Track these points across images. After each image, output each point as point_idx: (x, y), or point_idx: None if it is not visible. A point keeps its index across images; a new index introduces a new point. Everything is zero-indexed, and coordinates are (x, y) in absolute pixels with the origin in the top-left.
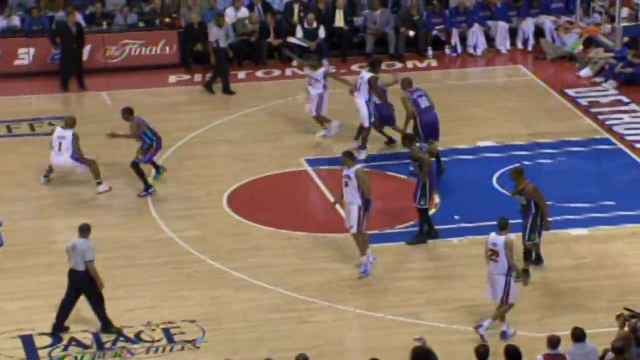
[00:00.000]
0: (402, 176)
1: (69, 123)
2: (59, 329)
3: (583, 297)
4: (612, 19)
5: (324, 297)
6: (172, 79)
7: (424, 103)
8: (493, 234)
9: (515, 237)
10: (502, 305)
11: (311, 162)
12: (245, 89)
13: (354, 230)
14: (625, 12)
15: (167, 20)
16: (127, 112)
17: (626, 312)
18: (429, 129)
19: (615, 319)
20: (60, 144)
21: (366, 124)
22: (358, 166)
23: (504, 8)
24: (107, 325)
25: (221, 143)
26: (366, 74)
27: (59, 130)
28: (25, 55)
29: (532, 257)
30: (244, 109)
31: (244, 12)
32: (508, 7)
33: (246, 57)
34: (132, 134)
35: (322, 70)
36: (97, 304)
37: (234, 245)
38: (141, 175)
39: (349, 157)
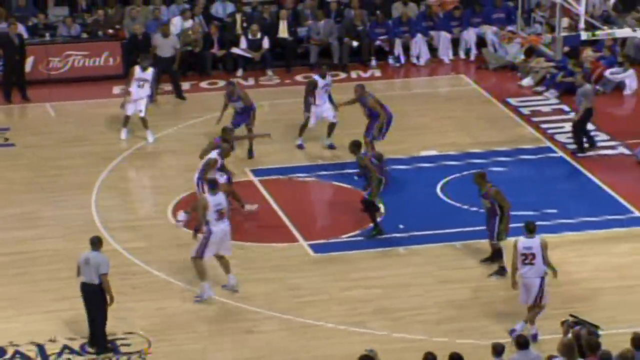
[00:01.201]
0: (347, 186)
1: None
2: (101, 345)
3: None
4: (552, 29)
5: (269, 307)
6: (116, 90)
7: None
8: (522, 238)
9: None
10: (535, 307)
11: (256, 173)
12: (189, 99)
13: None
14: (565, 22)
15: (111, 31)
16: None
17: (571, 319)
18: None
19: (560, 325)
20: None
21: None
22: None
23: (446, 18)
24: (102, 340)
25: (166, 154)
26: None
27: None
28: None
29: (503, 256)
30: (189, 120)
31: (190, 23)
32: (450, 17)
33: (190, 68)
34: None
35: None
36: (102, 318)
37: (179, 256)
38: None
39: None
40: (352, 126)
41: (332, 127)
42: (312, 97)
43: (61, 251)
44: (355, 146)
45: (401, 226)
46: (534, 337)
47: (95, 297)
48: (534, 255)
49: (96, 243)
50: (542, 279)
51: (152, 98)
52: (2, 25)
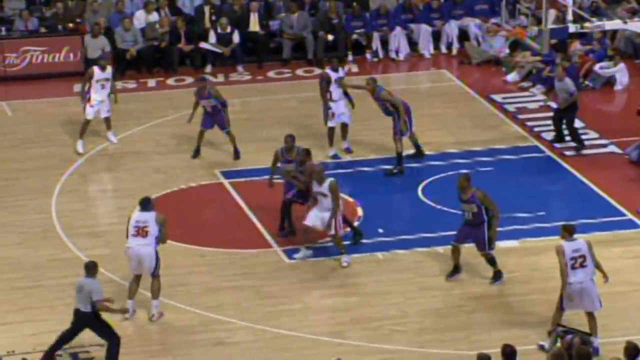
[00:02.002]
0: None
1: None
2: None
3: (513, 312)
4: (538, 21)
5: (241, 316)
6: (77, 87)
7: None
8: (566, 243)
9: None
10: (592, 314)
11: (227, 175)
12: (155, 97)
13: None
14: (552, 13)
15: (71, 25)
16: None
17: (560, 329)
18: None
19: (548, 336)
20: None
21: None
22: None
23: (427, 10)
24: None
25: (131, 155)
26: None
27: None
28: None
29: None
30: (154, 119)
31: (155, 16)
32: (430, 9)
33: (156, 64)
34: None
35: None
36: (114, 344)
37: None
38: None
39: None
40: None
41: (346, 128)
42: (328, 94)
43: (18, 259)
44: (306, 154)
45: (380, 230)
46: (597, 350)
47: (89, 325)
48: (584, 258)
49: (91, 269)
50: (592, 280)
51: (112, 97)
52: None
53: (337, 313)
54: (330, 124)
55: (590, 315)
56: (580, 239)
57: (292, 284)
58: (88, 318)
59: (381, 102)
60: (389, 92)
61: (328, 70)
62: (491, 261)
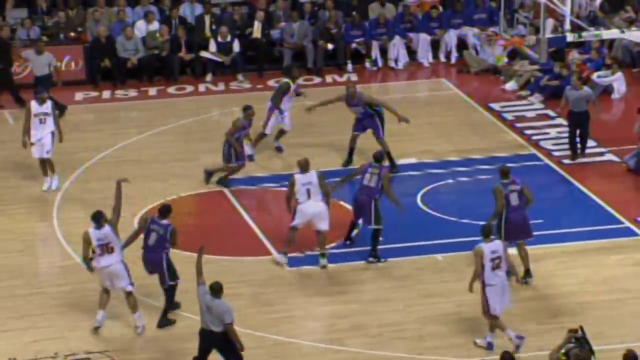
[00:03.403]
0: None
1: None
2: None
3: (512, 319)
4: (536, 31)
5: (241, 324)
6: (79, 96)
7: None
8: (484, 245)
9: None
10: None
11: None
12: (156, 106)
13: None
14: (550, 23)
15: (73, 34)
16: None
17: (579, 333)
18: None
19: (567, 332)
20: None
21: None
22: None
23: (425, 20)
24: None
25: (131, 163)
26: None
27: None
28: None
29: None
30: (155, 127)
31: (155, 25)
32: (430, 18)
33: (157, 73)
34: None
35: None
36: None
37: (145, 272)
38: None
39: None
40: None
41: (283, 133)
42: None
43: (19, 266)
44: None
45: (380, 238)
46: (491, 345)
47: (219, 344)
48: (501, 259)
49: (218, 290)
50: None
51: (56, 134)
52: None
53: (337, 320)
54: (267, 130)
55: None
56: (497, 240)
57: (291, 291)
58: (220, 338)
59: (361, 106)
60: (369, 95)
61: (287, 80)
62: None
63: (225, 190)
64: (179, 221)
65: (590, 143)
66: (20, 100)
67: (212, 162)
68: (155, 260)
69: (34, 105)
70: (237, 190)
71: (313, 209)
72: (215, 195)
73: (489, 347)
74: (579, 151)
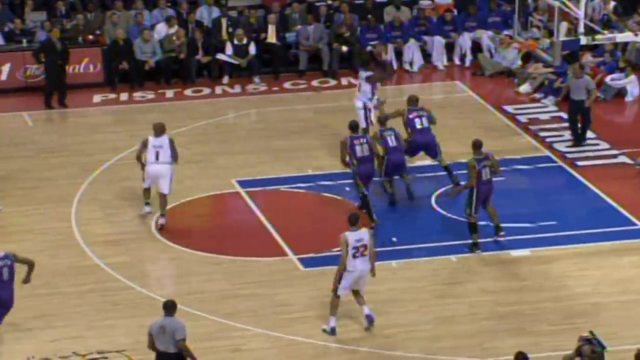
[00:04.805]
0: (337, 197)
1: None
2: None
3: (525, 320)
4: (550, 34)
5: (257, 324)
6: (97, 98)
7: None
8: (349, 233)
9: None
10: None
11: (243, 184)
12: (173, 108)
13: None
14: (564, 26)
15: (91, 37)
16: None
17: (589, 334)
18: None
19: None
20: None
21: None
22: None
23: (440, 23)
24: None
25: None
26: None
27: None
28: None
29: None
30: (172, 129)
31: (175, 29)
32: (444, 21)
33: (174, 75)
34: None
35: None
36: None
37: (162, 272)
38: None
39: None
40: None
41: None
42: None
43: (38, 266)
44: None
45: (394, 239)
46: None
47: None
48: (366, 247)
49: (170, 308)
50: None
51: None
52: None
53: (351, 320)
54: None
55: (356, 292)
56: (363, 229)
57: (306, 292)
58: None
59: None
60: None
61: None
62: (470, 228)
63: (242, 192)
64: (195, 222)
65: (603, 145)
66: (63, 103)
67: (228, 162)
68: None
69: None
70: (253, 192)
71: None
72: (230, 197)
73: (332, 332)
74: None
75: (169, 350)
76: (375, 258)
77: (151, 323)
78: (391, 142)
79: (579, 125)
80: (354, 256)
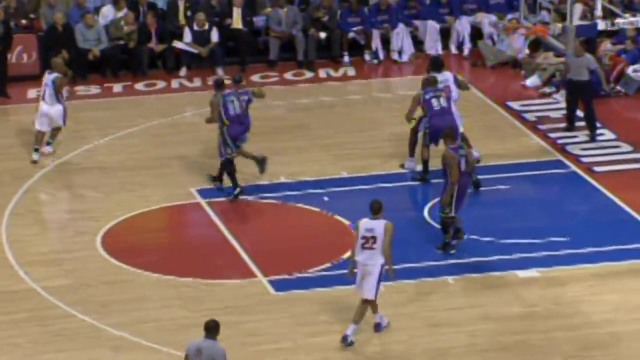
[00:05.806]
0: (314, 209)
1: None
2: None
3: (534, 352)
4: (563, 18)
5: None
6: (32, 93)
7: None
8: (365, 220)
9: None
10: (368, 303)
11: (204, 193)
12: (121, 105)
13: None
14: (578, 8)
15: (24, 21)
16: None
17: None
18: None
19: None
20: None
21: None
22: None
23: (434, 4)
24: None
25: (95, 171)
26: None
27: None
28: None
29: (452, 231)
30: (120, 129)
31: (125, 12)
32: (439, 3)
33: (123, 67)
34: None
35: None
36: None
37: (110, 296)
38: None
39: None
40: None
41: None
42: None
43: None
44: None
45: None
46: (378, 325)
47: None
48: (375, 239)
49: (212, 329)
50: (381, 268)
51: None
52: None
53: (332, 353)
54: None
55: (364, 303)
56: (381, 220)
57: (279, 320)
58: None
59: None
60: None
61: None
62: (444, 227)
63: (203, 202)
64: (150, 238)
65: (625, 148)
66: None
67: (186, 169)
68: None
69: None
70: (215, 202)
71: None
72: (191, 208)
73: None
74: (585, 132)
75: None
76: (390, 256)
77: (188, 343)
78: (436, 104)
79: (583, 115)
80: (363, 247)
